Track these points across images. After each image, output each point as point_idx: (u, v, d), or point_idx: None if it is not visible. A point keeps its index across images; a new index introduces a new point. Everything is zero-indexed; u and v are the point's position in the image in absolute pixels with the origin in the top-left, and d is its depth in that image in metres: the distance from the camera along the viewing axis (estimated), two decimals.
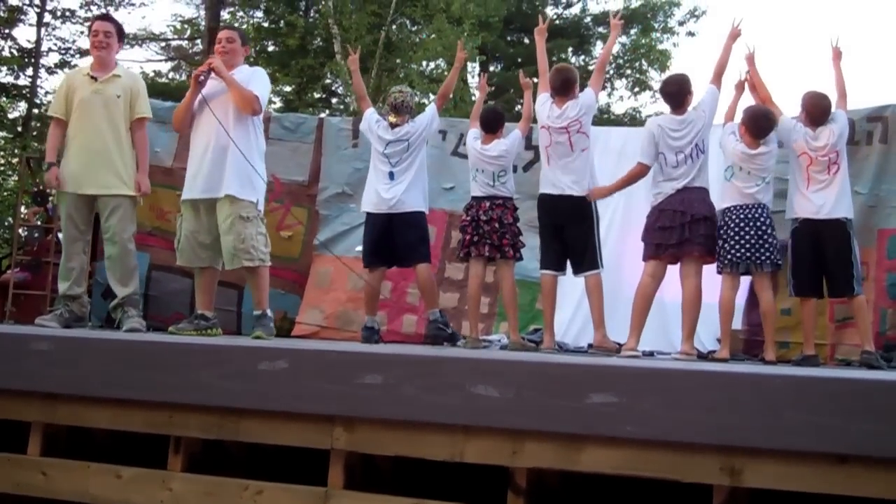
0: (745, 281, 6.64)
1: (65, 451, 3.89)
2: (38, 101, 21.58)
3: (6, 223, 20.46)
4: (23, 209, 11.05)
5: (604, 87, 6.67)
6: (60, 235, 9.40)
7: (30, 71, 21.44)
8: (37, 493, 3.82)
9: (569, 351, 7.09)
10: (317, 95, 22.97)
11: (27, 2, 21.24)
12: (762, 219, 6.27)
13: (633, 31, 25.31)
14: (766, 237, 6.25)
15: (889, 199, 7.12)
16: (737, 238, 6.23)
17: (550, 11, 26.65)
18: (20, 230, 10.12)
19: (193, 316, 6.02)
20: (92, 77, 6.27)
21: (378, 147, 6.90)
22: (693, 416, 2.86)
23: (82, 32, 21.88)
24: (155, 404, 3.63)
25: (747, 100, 6.82)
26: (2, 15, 20.39)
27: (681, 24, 26.75)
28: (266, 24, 22.63)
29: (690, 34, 26.84)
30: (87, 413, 3.78)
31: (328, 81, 22.35)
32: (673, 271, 6.34)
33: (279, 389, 3.38)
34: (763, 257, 6.25)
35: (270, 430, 3.48)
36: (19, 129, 21.27)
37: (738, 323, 7.08)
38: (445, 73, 20.02)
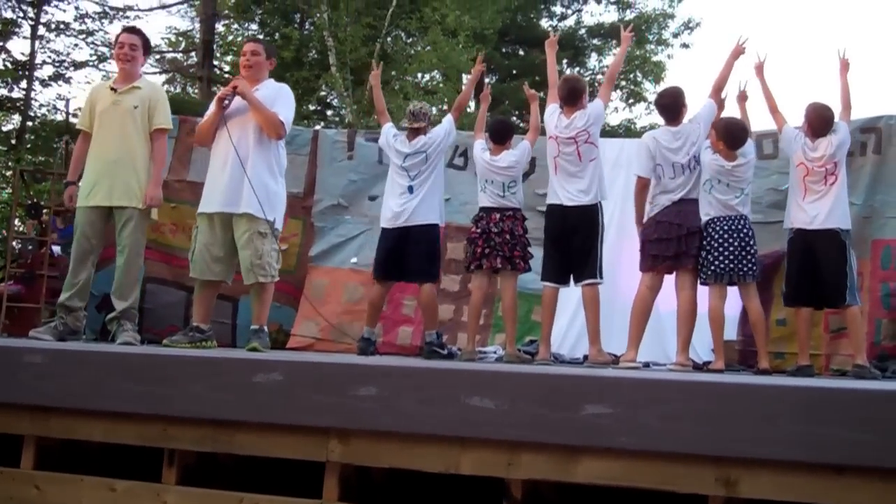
0: (737, 293, 6.64)
1: (58, 465, 3.87)
2: (31, 114, 21.55)
3: (0, 236, 20.43)
4: (17, 222, 11.03)
5: (584, 98, 6.67)
6: (55, 248, 9.43)
7: (24, 83, 21.42)
8: None
9: (564, 362, 7.09)
10: (312, 107, 22.97)
11: (21, 14, 21.23)
12: (745, 230, 6.31)
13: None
14: (748, 248, 6.29)
15: (883, 209, 7.15)
16: (720, 249, 6.25)
17: (545, 24, 26.76)
18: (14, 243, 10.11)
19: (188, 328, 6.01)
20: (112, 89, 6.27)
21: (396, 161, 6.92)
22: (688, 427, 2.86)
23: (76, 45, 21.90)
24: (149, 417, 3.61)
25: (732, 110, 6.87)
26: None
27: (675, 35, 26.87)
28: (261, 37, 22.63)
29: (685, 46, 26.94)
30: (80, 426, 3.76)
31: (323, 93, 22.37)
32: (668, 281, 6.36)
33: (274, 402, 3.37)
34: (746, 268, 6.28)
35: (265, 443, 3.47)
36: (13, 141, 21.21)
37: (732, 334, 7.10)
38: (441, 84, 20.06)
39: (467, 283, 7.75)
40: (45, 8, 21.38)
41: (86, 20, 21.60)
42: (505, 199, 6.75)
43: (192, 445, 3.59)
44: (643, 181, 6.37)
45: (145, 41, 6.45)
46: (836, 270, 6.30)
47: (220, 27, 23.38)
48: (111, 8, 21.90)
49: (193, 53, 24.04)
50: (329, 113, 24.15)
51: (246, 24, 23.41)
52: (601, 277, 6.44)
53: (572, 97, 6.55)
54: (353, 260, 8.22)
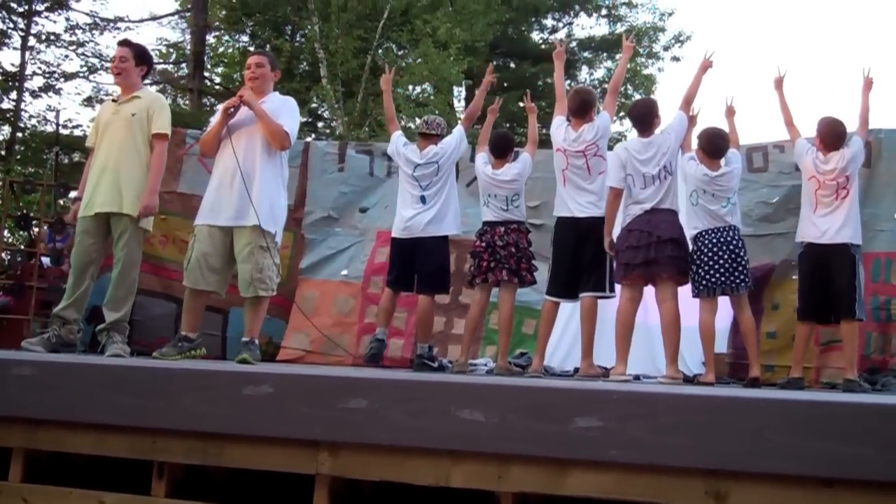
0: (729, 305, 6.66)
1: (47, 478, 3.85)
2: (22, 125, 21.53)
3: None
4: (6, 233, 11.00)
5: (593, 111, 6.71)
6: (44, 259, 9.41)
7: (14, 94, 21.40)
8: None
9: (555, 375, 7.08)
10: (302, 119, 22.99)
11: (12, 25, 21.23)
12: (734, 241, 6.31)
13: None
14: (739, 259, 6.28)
15: (872, 222, 7.18)
16: (711, 263, 6.25)
17: (536, 36, 26.84)
18: (3, 254, 10.08)
19: (176, 338, 5.98)
20: (114, 101, 6.31)
21: (406, 170, 6.92)
22: (678, 440, 2.86)
23: (67, 56, 21.90)
24: (138, 429, 3.59)
25: (711, 122, 6.91)
26: None
27: (665, 49, 26.99)
28: (252, 49, 22.65)
29: (675, 59, 27.05)
30: (69, 438, 3.74)
31: (314, 105, 22.40)
32: (653, 295, 6.35)
33: (264, 414, 3.36)
34: (738, 280, 6.27)
35: (255, 455, 3.45)
36: (3, 152, 21.20)
37: (723, 347, 7.11)
38: (432, 97, 20.09)
39: (458, 295, 7.76)
40: (36, 19, 21.43)
41: (76, 31, 21.68)
42: (508, 212, 6.75)
43: (181, 458, 3.57)
44: (615, 191, 6.32)
45: (138, 51, 6.44)
46: (847, 285, 6.29)
47: (210, 39, 23.42)
48: (102, 19, 21.97)
49: (184, 65, 24.07)
50: (320, 125, 24.20)
51: (237, 36, 23.43)
52: (612, 291, 6.39)
53: (583, 109, 6.53)
54: (344, 272, 8.21)
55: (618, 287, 6.34)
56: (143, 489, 3.65)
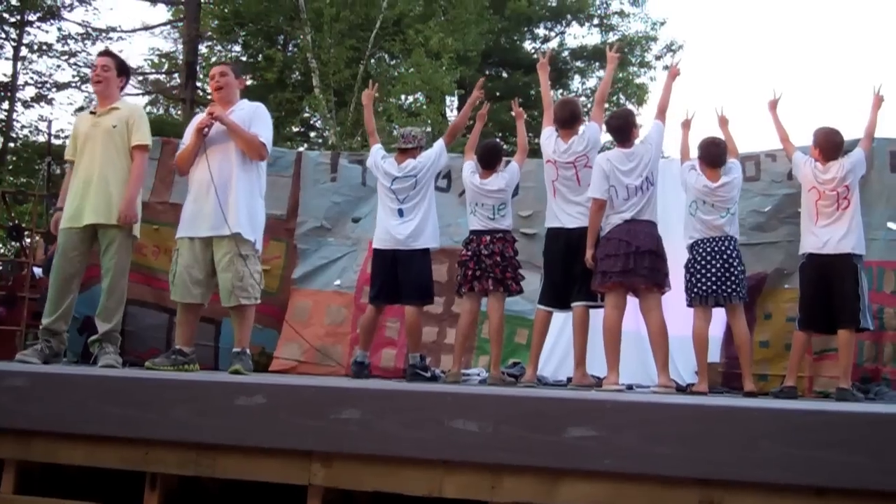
0: (723, 314, 6.66)
1: (39, 489, 3.83)
2: (13, 136, 21.50)
3: None
4: None
5: (581, 122, 6.72)
6: (36, 270, 9.38)
7: (6, 105, 21.38)
8: None
9: (547, 384, 7.08)
10: (295, 129, 23.00)
11: (3, 35, 21.21)
12: (729, 251, 6.31)
13: None
14: (733, 269, 6.28)
15: (865, 231, 7.13)
16: (703, 271, 6.26)
17: (528, 46, 26.87)
18: None
19: (171, 351, 5.97)
20: (92, 113, 6.28)
21: (384, 182, 6.92)
22: (671, 450, 2.86)
23: (59, 66, 21.88)
24: (131, 440, 3.58)
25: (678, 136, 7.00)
26: None
27: (658, 58, 27.09)
28: (244, 58, 22.66)
29: (667, 69, 27.04)
30: (61, 449, 3.73)
31: (306, 115, 22.40)
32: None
33: (256, 425, 3.35)
34: (730, 290, 6.27)
35: (248, 466, 3.45)
36: None
37: (716, 356, 7.11)
38: (424, 107, 20.10)
39: (451, 305, 7.75)
40: (28, 29, 21.40)
41: (68, 41, 21.64)
42: (495, 221, 6.75)
43: (174, 469, 3.56)
44: (599, 202, 6.30)
45: (119, 63, 6.44)
46: (850, 294, 6.26)
47: (203, 49, 23.38)
48: (94, 29, 21.95)
49: (176, 75, 24.06)
50: (312, 134, 24.19)
51: (229, 46, 23.43)
52: (604, 300, 6.34)
53: (572, 121, 6.56)
54: (337, 282, 8.21)
55: None
56: (135, 501, 3.64)
